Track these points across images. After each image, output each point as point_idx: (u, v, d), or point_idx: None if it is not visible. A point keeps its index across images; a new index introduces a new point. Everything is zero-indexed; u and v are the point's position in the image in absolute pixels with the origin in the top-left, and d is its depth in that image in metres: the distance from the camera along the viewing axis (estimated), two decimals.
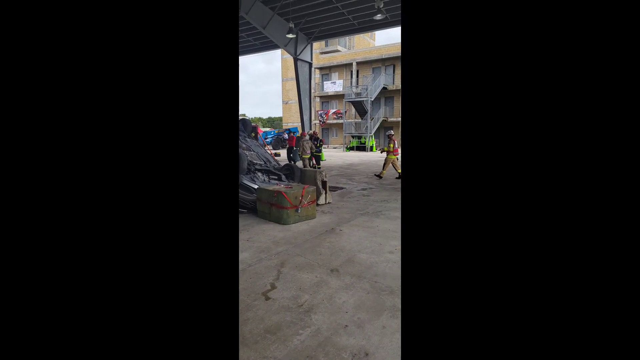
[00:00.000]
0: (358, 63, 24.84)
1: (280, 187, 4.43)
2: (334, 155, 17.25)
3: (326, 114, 26.06)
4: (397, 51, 22.62)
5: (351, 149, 21.67)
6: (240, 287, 2.41)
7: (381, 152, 8.98)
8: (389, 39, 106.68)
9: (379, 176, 8.38)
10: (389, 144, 8.42)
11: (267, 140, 21.83)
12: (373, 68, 24.35)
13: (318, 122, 25.39)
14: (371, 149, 20.55)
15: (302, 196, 4.25)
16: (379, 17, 9.66)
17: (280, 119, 53.68)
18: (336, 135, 27.20)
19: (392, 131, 8.97)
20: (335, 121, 26.23)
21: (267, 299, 2.24)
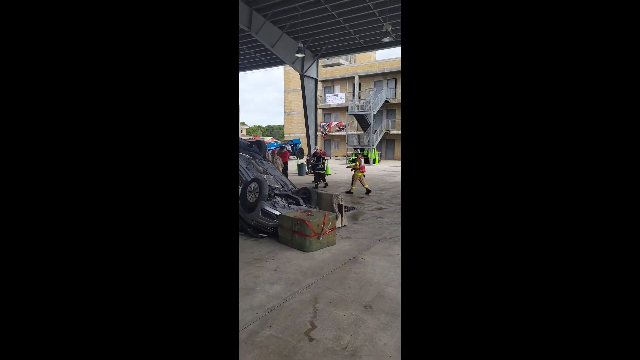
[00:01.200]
0: (360, 76, 25.23)
1: (302, 214, 4.55)
2: (337, 168, 17.39)
3: (328, 126, 26.34)
4: (398, 65, 23.00)
5: (353, 161, 21.83)
6: (282, 325, 2.52)
7: (349, 169, 9.80)
8: (389, 53, 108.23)
9: (350, 192, 9.09)
10: (355, 161, 9.09)
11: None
12: (375, 81, 24.74)
13: (320, 133, 25.61)
14: (374, 162, 20.74)
15: (323, 224, 4.37)
16: (386, 39, 9.94)
17: (280, 127, 53.99)
18: (338, 147, 27.43)
19: (359, 150, 9.61)
20: (337, 133, 26.48)
21: (311, 339, 2.34)
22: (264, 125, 62.69)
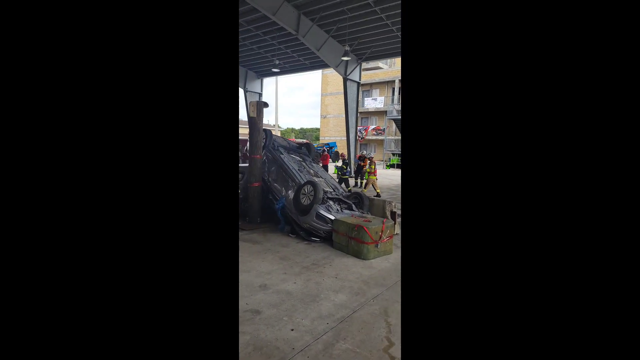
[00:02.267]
0: (400, 81, 24.74)
1: (359, 220, 4.41)
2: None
3: (365, 130, 26.05)
4: None
5: (391, 166, 21.41)
6: (357, 338, 2.39)
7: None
8: None
9: (378, 195, 9.31)
10: (370, 165, 9.70)
11: None
12: None
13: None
14: None
15: (382, 231, 4.20)
16: None
17: (313, 130, 54.32)
18: (375, 152, 27.04)
19: (372, 154, 9.73)
20: (374, 137, 26.12)
21: (392, 358, 2.19)
22: (297, 127, 63.49)
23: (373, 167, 9.63)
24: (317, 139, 35.06)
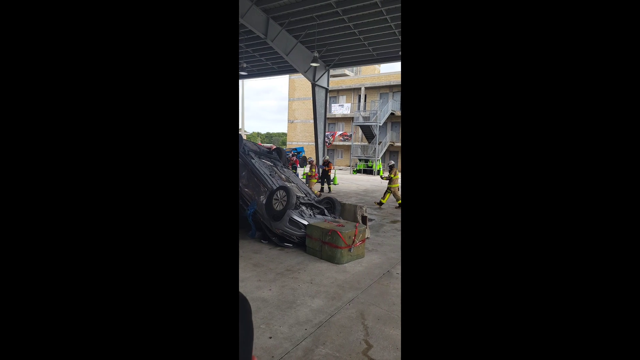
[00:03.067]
0: (366, 88, 25.42)
1: (333, 225, 4.45)
2: (342, 178, 17.35)
3: (332, 135, 26.39)
4: None
5: (358, 171, 21.84)
6: (336, 343, 2.40)
7: (383, 179, 9.82)
8: (393, 66, 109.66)
9: (380, 204, 9.00)
10: (391, 173, 8.95)
11: None
12: (380, 93, 24.92)
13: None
14: (378, 173, 20.73)
15: (355, 235, 4.28)
16: None
17: (280, 134, 53.96)
18: (342, 157, 27.44)
19: (392, 162, 9.46)
20: (341, 143, 26.52)
21: None
22: (263, 132, 62.71)
23: (394, 175, 8.90)
24: (284, 143, 34.87)
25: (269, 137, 59.42)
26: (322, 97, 14.63)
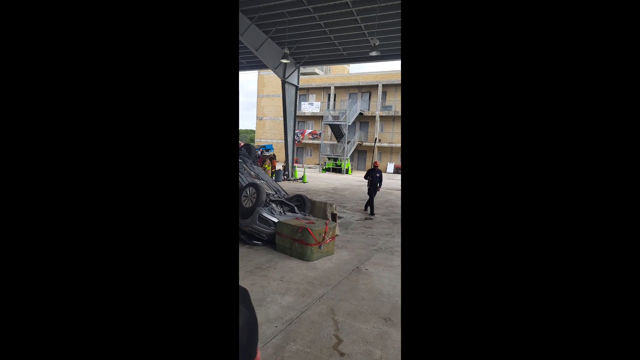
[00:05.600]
0: (336, 87, 25.64)
1: (303, 222, 4.45)
2: (312, 176, 17.39)
3: (302, 133, 26.35)
4: (373, 80, 23.76)
5: (327, 170, 21.99)
6: (307, 339, 2.40)
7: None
8: (361, 67, 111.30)
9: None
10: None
11: None
12: (350, 93, 25.27)
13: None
14: (347, 172, 21.01)
15: (325, 232, 4.30)
16: (374, 53, 10.20)
17: (248, 131, 52.89)
18: (311, 155, 27.48)
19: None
20: (310, 141, 26.55)
21: (342, 354, 2.25)
22: None
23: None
24: (252, 140, 34.25)
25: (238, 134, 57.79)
26: (292, 94, 14.54)
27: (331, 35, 11.88)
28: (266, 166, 11.50)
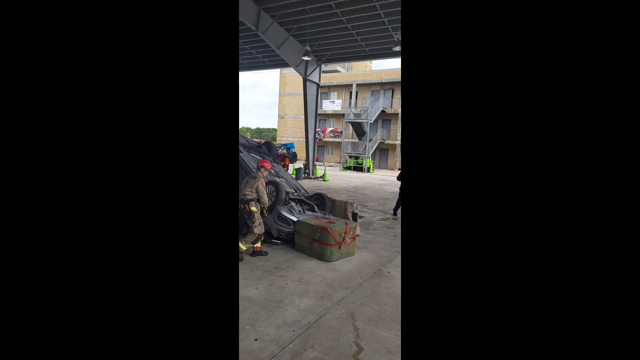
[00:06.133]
0: (358, 85, 25.32)
1: (323, 221, 4.33)
2: (332, 175, 17.25)
3: (323, 131, 26.24)
4: (395, 76, 23.26)
5: (348, 168, 21.77)
6: (325, 345, 2.29)
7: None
8: (384, 64, 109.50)
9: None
10: None
11: None
12: (372, 90, 24.87)
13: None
14: (368, 170, 20.70)
15: (345, 232, 4.17)
16: (397, 49, 9.92)
17: (270, 130, 53.41)
18: (331, 153, 27.34)
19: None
20: (331, 139, 26.40)
21: None
22: (253, 127, 62.00)
23: None
24: (274, 139, 34.55)
25: (258, 132, 58.81)
26: (314, 92, 14.45)
27: (353, 32, 11.67)
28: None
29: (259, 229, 3.97)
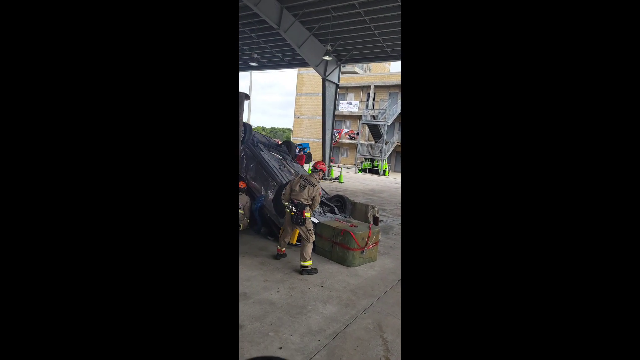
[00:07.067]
0: (376, 86, 25.07)
1: (345, 225, 4.19)
2: (348, 176, 17.08)
3: (339, 133, 26.09)
4: None
5: (363, 170, 21.56)
6: (355, 359, 2.15)
7: None
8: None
9: None
10: None
11: None
12: (390, 92, 24.58)
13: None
14: (384, 173, 20.43)
15: (368, 237, 4.01)
16: None
17: (284, 130, 53.62)
18: (347, 155, 27.15)
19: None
20: (347, 141, 26.22)
21: None
22: (268, 127, 62.33)
23: None
24: (289, 139, 34.61)
25: (273, 131, 59.10)
26: (332, 92, 14.33)
27: (375, 32, 11.49)
28: None
29: (313, 236, 3.68)
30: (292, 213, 3.64)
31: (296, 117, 31.27)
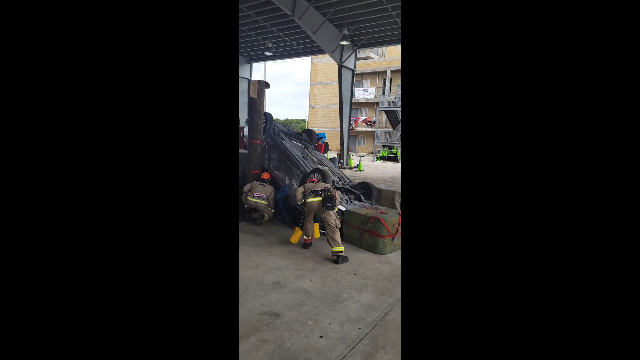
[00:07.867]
0: (392, 71, 24.44)
1: (374, 212, 4.09)
2: (367, 164, 16.85)
3: (355, 121, 25.71)
4: None
5: (382, 158, 21.24)
6: (399, 347, 2.07)
7: None
8: None
9: None
10: None
11: None
12: None
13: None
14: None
15: (398, 224, 3.90)
16: None
17: (298, 120, 53.47)
18: (364, 143, 26.80)
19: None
20: (364, 129, 25.84)
21: None
22: (282, 118, 62.27)
23: None
24: (303, 130, 34.49)
25: (287, 123, 59.01)
26: (349, 79, 14.03)
27: (393, 13, 11.08)
28: None
29: (339, 222, 3.68)
30: (321, 198, 3.59)
31: (311, 106, 31.03)
